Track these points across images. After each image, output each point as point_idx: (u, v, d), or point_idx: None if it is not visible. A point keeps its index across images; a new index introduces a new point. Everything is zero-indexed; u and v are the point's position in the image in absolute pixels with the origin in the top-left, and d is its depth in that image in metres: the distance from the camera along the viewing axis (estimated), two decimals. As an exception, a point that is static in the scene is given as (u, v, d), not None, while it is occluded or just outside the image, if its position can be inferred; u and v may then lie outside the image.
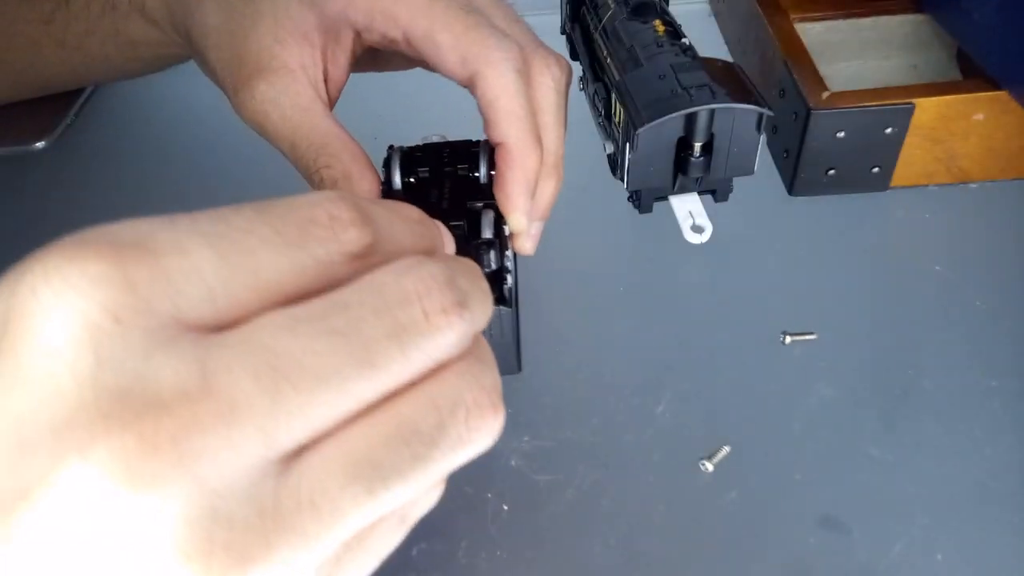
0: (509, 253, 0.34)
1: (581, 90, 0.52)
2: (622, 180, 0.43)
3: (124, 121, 0.67)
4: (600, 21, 0.47)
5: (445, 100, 0.45)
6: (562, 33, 0.57)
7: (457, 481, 0.28)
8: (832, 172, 0.55)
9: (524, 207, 0.36)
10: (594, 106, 0.47)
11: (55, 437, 0.17)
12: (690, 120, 0.40)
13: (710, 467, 0.43)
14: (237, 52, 0.37)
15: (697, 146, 0.41)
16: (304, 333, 0.18)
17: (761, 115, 0.40)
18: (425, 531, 0.30)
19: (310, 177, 0.36)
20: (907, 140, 0.54)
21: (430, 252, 0.23)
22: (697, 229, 0.42)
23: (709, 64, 0.42)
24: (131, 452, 0.16)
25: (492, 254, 0.32)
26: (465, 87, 0.38)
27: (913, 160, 0.55)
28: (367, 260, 0.21)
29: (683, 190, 0.43)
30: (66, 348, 0.17)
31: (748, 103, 0.40)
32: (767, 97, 0.44)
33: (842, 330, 0.48)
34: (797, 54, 0.57)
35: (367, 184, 0.35)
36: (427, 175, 0.37)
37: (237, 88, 0.37)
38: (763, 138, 0.42)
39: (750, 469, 0.43)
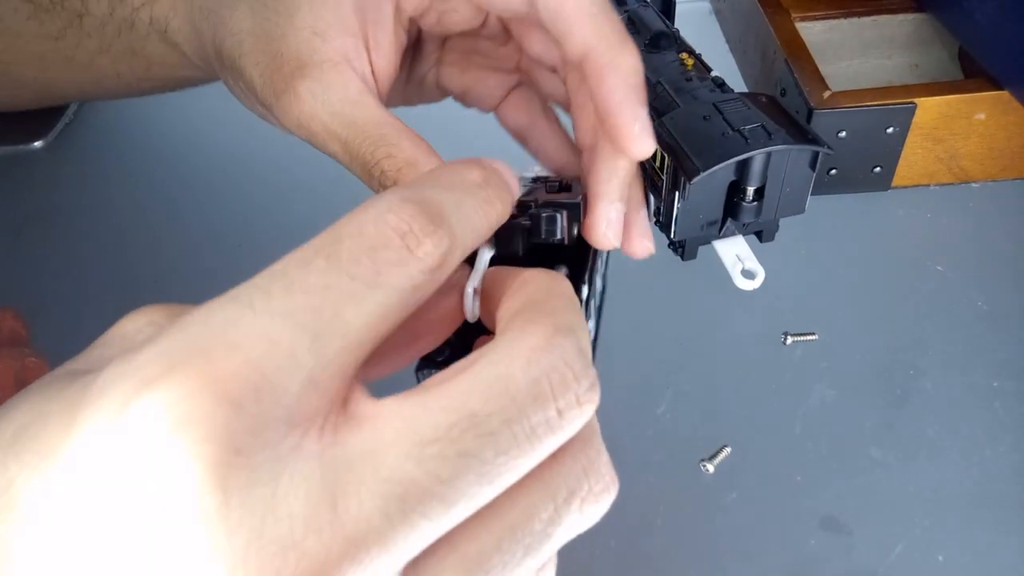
0: (590, 325, 0.29)
1: None
2: (660, 226, 0.41)
3: (123, 120, 0.67)
4: None
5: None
6: None
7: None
8: (833, 172, 0.55)
9: (643, 118, 0.29)
10: None
11: None
12: (743, 163, 0.37)
13: (711, 468, 0.42)
14: (274, 54, 0.34)
15: (750, 190, 0.38)
16: (432, 459, 0.18)
17: (817, 153, 0.38)
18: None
19: (370, 172, 0.32)
20: (908, 140, 0.54)
21: (501, 217, 0.22)
22: (748, 274, 0.40)
23: (752, 100, 0.39)
24: None
25: (560, 219, 0.27)
26: (527, 18, 0.33)
27: (914, 160, 0.55)
28: (451, 266, 0.20)
29: (728, 234, 0.41)
30: (193, 500, 0.16)
31: (802, 140, 0.37)
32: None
33: (843, 331, 0.48)
34: (798, 53, 0.57)
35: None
36: None
37: (278, 93, 0.33)
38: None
39: (751, 470, 0.42)
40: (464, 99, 0.40)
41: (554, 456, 0.20)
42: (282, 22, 0.33)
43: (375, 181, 0.32)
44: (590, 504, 0.20)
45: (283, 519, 0.16)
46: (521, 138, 0.40)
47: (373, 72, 0.34)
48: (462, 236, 0.21)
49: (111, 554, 0.17)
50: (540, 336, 0.20)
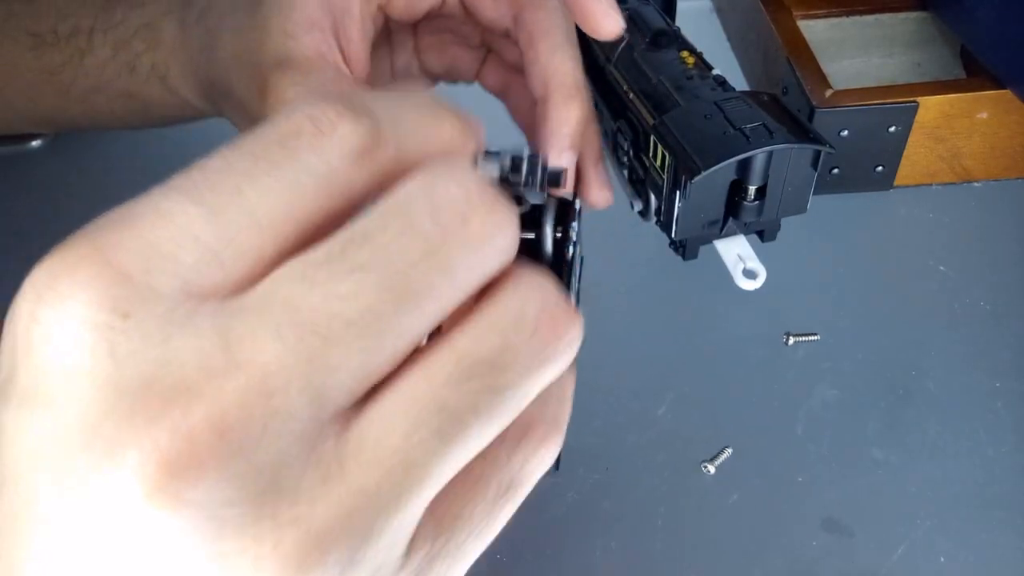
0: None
1: None
2: (660, 225, 0.40)
3: (123, 119, 0.67)
4: (614, 52, 0.44)
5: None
6: None
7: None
8: (835, 171, 0.55)
9: (574, 145, 0.34)
10: (616, 145, 0.44)
11: (87, 452, 0.16)
12: (745, 162, 0.37)
13: (712, 469, 0.42)
14: (255, 65, 0.35)
15: (752, 190, 0.37)
16: (322, 278, 0.17)
17: (819, 152, 0.37)
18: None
19: None
20: (911, 139, 0.54)
21: (457, 144, 0.20)
22: (749, 274, 0.39)
23: (753, 98, 0.39)
24: (165, 447, 0.15)
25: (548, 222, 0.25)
26: (504, 35, 0.37)
27: (917, 159, 0.55)
28: (379, 160, 0.18)
29: (730, 233, 0.41)
30: (81, 360, 0.16)
31: (804, 139, 0.36)
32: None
33: (845, 331, 0.48)
34: (800, 52, 0.56)
35: None
36: None
37: (262, 95, 0.34)
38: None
39: (752, 471, 0.42)
40: (448, 77, 0.43)
41: (490, 288, 0.19)
42: (258, 35, 0.35)
43: None
44: (545, 331, 0.18)
45: (174, 370, 0.16)
46: (501, 98, 0.43)
47: (347, 61, 0.36)
48: (396, 135, 0.19)
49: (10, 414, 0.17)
50: (436, 161, 0.18)
